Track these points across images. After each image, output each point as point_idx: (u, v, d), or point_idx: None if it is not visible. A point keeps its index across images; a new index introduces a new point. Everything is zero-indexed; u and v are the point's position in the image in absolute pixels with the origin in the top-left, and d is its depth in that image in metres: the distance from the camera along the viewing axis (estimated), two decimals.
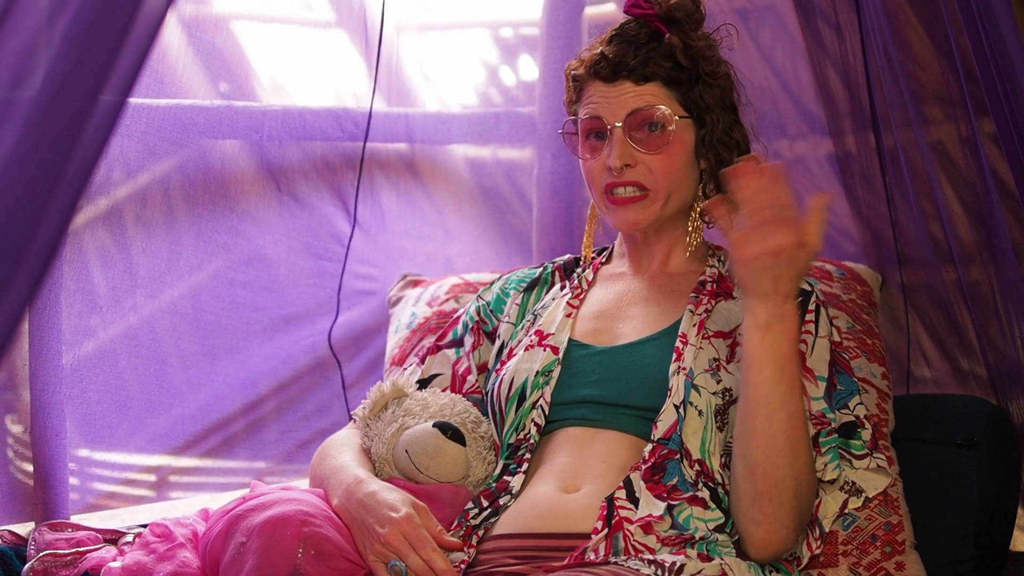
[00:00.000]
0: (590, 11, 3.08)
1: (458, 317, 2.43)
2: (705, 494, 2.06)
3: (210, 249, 2.70)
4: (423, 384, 2.36)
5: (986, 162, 2.34)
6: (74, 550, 2.24)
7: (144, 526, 2.26)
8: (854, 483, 2.18)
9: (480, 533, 2.09)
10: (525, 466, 2.15)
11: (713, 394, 2.10)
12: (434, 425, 2.19)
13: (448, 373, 2.37)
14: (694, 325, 2.17)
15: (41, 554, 2.22)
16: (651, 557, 1.97)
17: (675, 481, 2.06)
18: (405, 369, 2.42)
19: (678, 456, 2.07)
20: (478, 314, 2.39)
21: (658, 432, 2.09)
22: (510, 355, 2.28)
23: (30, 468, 2.45)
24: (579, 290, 2.31)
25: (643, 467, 2.07)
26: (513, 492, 2.13)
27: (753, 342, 1.98)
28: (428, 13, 3.13)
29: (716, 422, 2.10)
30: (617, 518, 2.02)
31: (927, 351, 2.71)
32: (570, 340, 2.23)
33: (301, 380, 2.85)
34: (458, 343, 2.39)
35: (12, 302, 1.56)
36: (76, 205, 1.61)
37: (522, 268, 2.47)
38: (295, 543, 1.99)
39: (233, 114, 2.73)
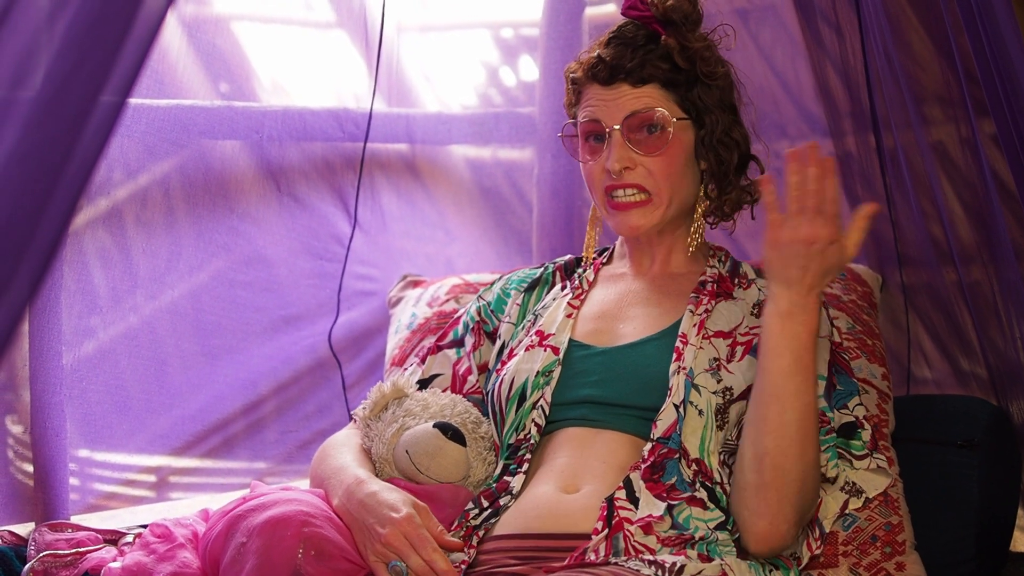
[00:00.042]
0: (590, 12, 3.08)
1: (458, 317, 2.43)
2: (703, 494, 2.06)
3: (210, 249, 2.70)
4: (424, 384, 2.36)
5: (986, 162, 2.34)
6: (74, 550, 2.24)
7: (144, 526, 2.26)
8: (854, 483, 2.18)
9: (480, 533, 2.09)
10: (525, 466, 2.15)
11: (713, 393, 2.11)
12: (434, 425, 2.19)
13: (448, 373, 2.37)
14: (694, 325, 2.17)
15: (41, 554, 2.22)
16: (651, 558, 1.97)
17: (674, 480, 2.06)
18: (405, 369, 2.42)
19: (677, 456, 2.08)
20: (479, 314, 2.39)
21: (658, 431, 2.09)
22: (510, 355, 2.28)
23: (30, 468, 2.45)
24: (580, 290, 2.31)
25: (643, 466, 2.07)
26: (513, 492, 2.13)
27: (773, 330, 2.00)
28: (428, 13, 3.13)
29: (716, 421, 2.10)
30: (617, 518, 2.02)
31: (927, 352, 2.71)
32: (571, 340, 2.23)
33: (301, 380, 2.85)
34: (459, 343, 2.39)
35: (12, 302, 1.56)
36: (76, 205, 1.61)
37: (523, 268, 2.47)
38: (295, 543, 1.99)
39: (233, 114, 2.73)
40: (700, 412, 2.10)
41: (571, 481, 2.09)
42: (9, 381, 2.44)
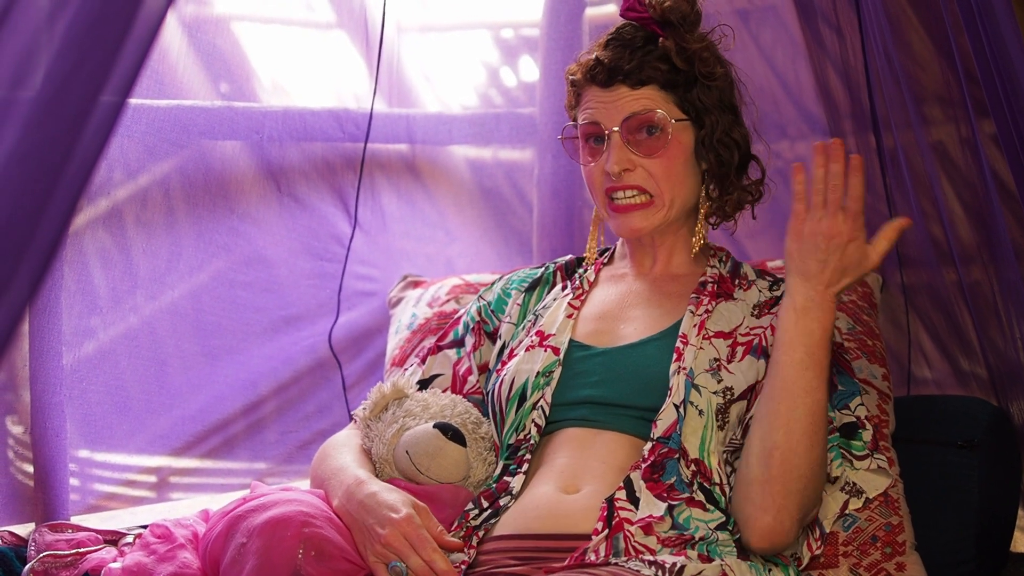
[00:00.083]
0: (591, 12, 3.08)
1: (459, 317, 2.43)
2: (701, 496, 2.06)
3: (210, 250, 2.70)
4: (424, 384, 2.36)
5: (986, 163, 2.34)
6: (74, 551, 2.24)
7: (144, 527, 2.26)
8: (855, 484, 2.19)
9: (480, 534, 2.09)
10: (525, 467, 2.15)
11: (714, 393, 2.11)
12: (435, 426, 2.19)
13: (449, 373, 2.37)
14: (695, 326, 2.17)
15: (41, 555, 2.22)
16: (651, 558, 1.97)
17: (673, 480, 2.06)
18: (406, 370, 2.42)
19: (677, 456, 2.08)
20: (479, 314, 2.39)
21: (658, 431, 2.09)
22: (511, 355, 2.28)
23: (30, 469, 2.45)
24: (580, 291, 2.31)
25: (643, 466, 2.07)
26: (513, 493, 2.13)
27: (787, 323, 2.03)
28: (429, 14, 3.13)
29: (717, 421, 2.10)
30: (617, 519, 2.02)
31: (928, 352, 2.71)
32: (571, 341, 2.23)
33: (301, 381, 2.85)
34: (459, 343, 2.39)
35: (12, 302, 1.55)
36: (76, 206, 1.61)
37: (523, 268, 2.47)
38: (295, 544, 1.99)
39: (234, 115, 2.73)
40: (700, 412, 2.10)
41: (571, 481, 2.09)
42: (9, 381, 2.44)
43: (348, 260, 2.91)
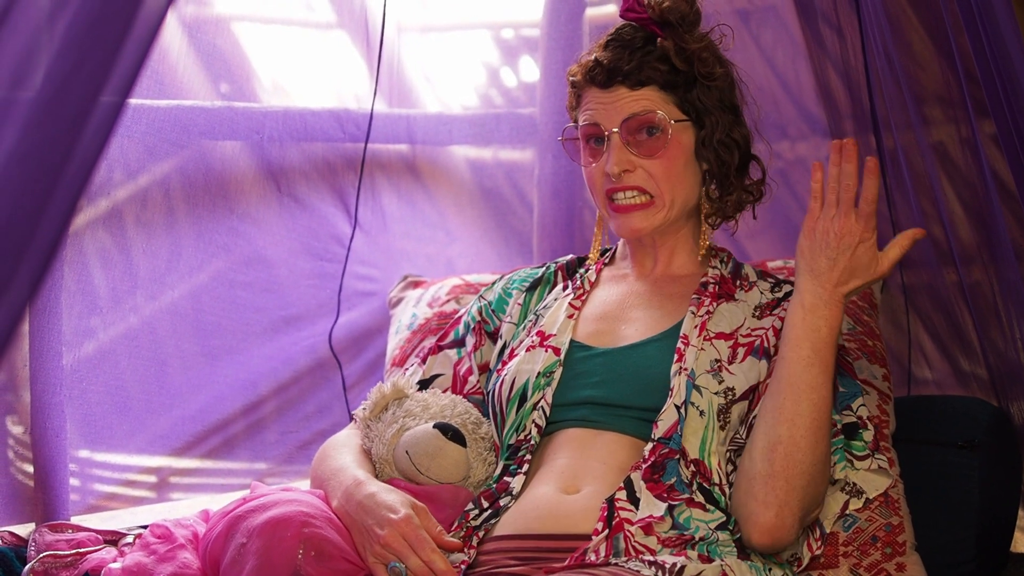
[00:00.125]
0: (591, 12, 3.08)
1: (459, 317, 2.43)
2: (700, 497, 2.06)
3: (210, 250, 2.70)
4: (424, 384, 2.36)
5: (986, 163, 2.34)
6: (74, 551, 2.24)
7: (144, 527, 2.26)
8: (855, 484, 2.19)
9: (480, 534, 2.09)
10: (525, 467, 2.15)
11: (715, 394, 2.11)
12: (434, 426, 2.19)
13: (449, 374, 2.37)
14: (695, 327, 2.17)
15: (41, 555, 2.22)
16: (652, 558, 1.97)
17: (673, 481, 2.06)
18: (406, 370, 2.42)
19: (677, 456, 2.08)
20: (480, 314, 2.39)
21: (658, 431, 2.09)
22: (511, 355, 2.28)
23: (30, 469, 2.45)
24: (581, 291, 2.31)
25: (643, 466, 2.07)
26: (513, 493, 2.13)
27: (794, 320, 2.05)
28: (429, 14, 3.13)
29: (718, 421, 2.10)
30: (618, 519, 2.02)
31: (928, 352, 2.71)
32: (572, 341, 2.23)
33: (301, 381, 2.85)
34: (460, 343, 2.39)
35: (12, 302, 1.55)
36: (76, 206, 1.61)
37: (524, 268, 2.47)
38: (295, 544, 1.99)
39: (234, 115, 2.73)
40: (701, 413, 2.10)
41: (571, 482, 2.09)
42: (9, 381, 2.44)
43: (348, 260, 2.91)
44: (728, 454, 2.11)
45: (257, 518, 2.02)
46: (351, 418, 2.42)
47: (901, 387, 2.69)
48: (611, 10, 3.13)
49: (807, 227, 2.05)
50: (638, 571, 1.93)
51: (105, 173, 2.51)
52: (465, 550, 2.07)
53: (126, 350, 2.59)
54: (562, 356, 2.21)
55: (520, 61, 3.28)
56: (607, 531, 2.01)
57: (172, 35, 2.58)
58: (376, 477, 2.20)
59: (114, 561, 2.16)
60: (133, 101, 2.45)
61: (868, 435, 2.20)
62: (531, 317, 2.33)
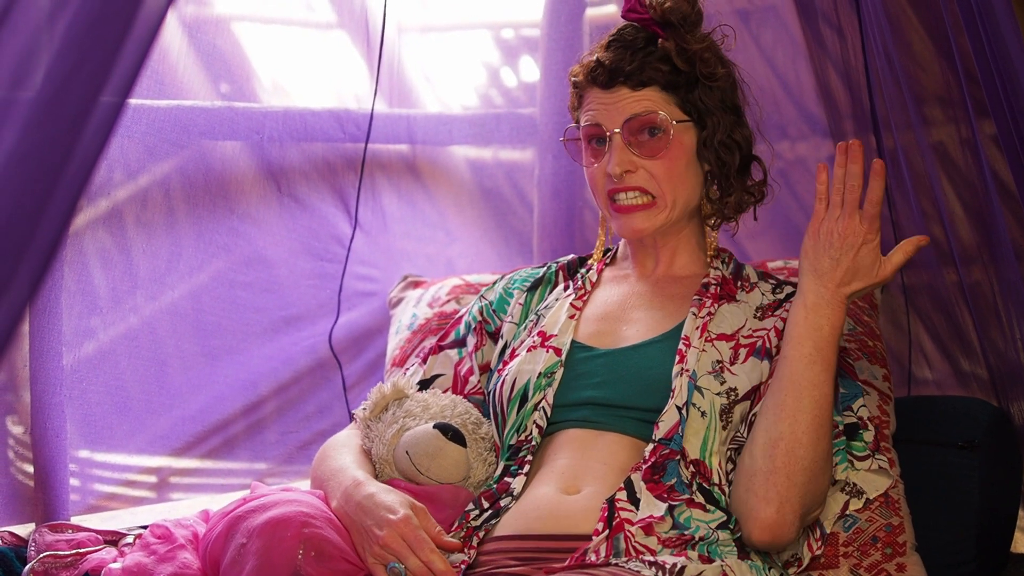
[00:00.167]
0: (591, 12, 3.08)
1: (460, 317, 2.43)
2: (700, 498, 2.06)
3: (210, 250, 2.70)
4: (425, 385, 2.36)
5: (986, 163, 2.34)
6: (74, 551, 2.24)
7: (144, 527, 2.26)
8: (855, 484, 2.19)
9: (481, 534, 2.09)
10: (526, 468, 2.15)
11: (717, 394, 2.11)
12: (435, 426, 2.19)
13: (450, 374, 2.37)
14: (697, 328, 2.17)
15: (41, 555, 2.22)
16: (652, 559, 1.97)
17: (673, 482, 2.06)
18: (406, 370, 2.42)
19: (678, 457, 2.08)
20: (481, 314, 2.39)
21: (659, 432, 2.09)
22: (512, 355, 2.28)
23: (30, 469, 2.45)
24: (583, 291, 2.31)
25: (643, 467, 2.07)
26: (514, 493, 2.13)
27: (797, 319, 2.05)
28: (429, 14, 3.13)
29: (721, 421, 2.10)
30: (618, 519, 2.02)
31: (928, 352, 2.71)
32: (573, 342, 2.23)
33: (302, 381, 2.84)
34: (460, 343, 2.39)
35: (12, 303, 1.55)
36: (76, 206, 1.61)
37: (525, 268, 2.47)
38: (295, 544, 1.99)
39: (234, 115, 2.73)
40: (703, 414, 2.10)
41: (572, 482, 2.09)
42: (9, 382, 2.44)
43: (348, 260, 2.91)
44: (729, 453, 2.11)
45: (257, 518, 2.02)
46: (351, 418, 2.42)
47: (901, 387, 2.69)
48: (611, 10, 3.13)
49: (812, 229, 2.06)
50: (638, 571, 1.93)
51: (105, 173, 2.51)
52: (465, 550, 2.07)
53: (126, 350, 2.59)
54: (563, 357, 2.21)
55: (520, 61, 3.28)
56: (607, 531, 2.01)
57: (172, 35, 2.58)
58: (376, 477, 2.20)
59: (114, 561, 2.16)
60: (133, 101, 2.45)
61: (868, 435, 2.21)
62: (532, 317, 2.33)
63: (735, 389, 2.12)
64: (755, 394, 2.13)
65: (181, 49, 2.62)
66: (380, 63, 2.93)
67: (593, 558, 1.98)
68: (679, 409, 2.09)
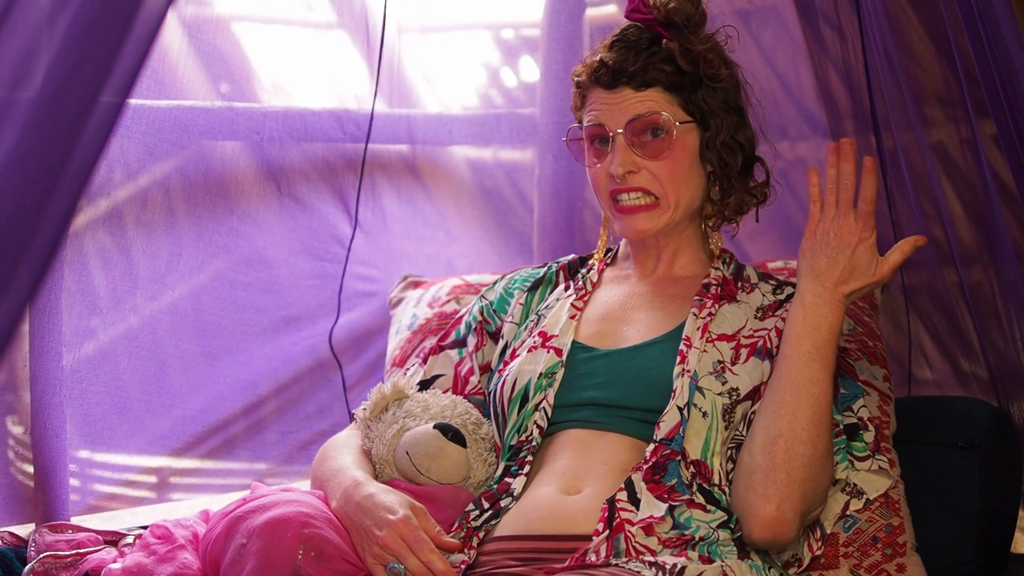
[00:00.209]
0: (591, 12, 3.08)
1: (460, 317, 2.43)
2: (701, 498, 2.06)
3: (210, 250, 2.70)
4: (425, 385, 2.36)
5: (987, 163, 2.34)
6: (74, 551, 2.24)
7: (144, 527, 2.26)
8: (855, 485, 2.19)
9: (481, 535, 2.09)
10: (527, 468, 2.15)
11: (718, 395, 2.11)
12: (435, 427, 2.19)
13: (450, 374, 2.37)
14: (698, 328, 2.17)
15: (41, 555, 2.22)
16: (652, 559, 1.97)
17: (674, 482, 2.06)
18: (407, 370, 2.42)
19: (678, 458, 2.08)
20: (481, 314, 2.38)
21: (660, 432, 2.09)
22: (513, 356, 2.28)
23: (30, 469, 2.45)
24: (583, 291, 2.31)
25: (644, 467, 2.07)
26: (514, 494, 2.13)
27: (795, 319, 2.06)
28: (429, 14, 3.13)
29: (723, 421, 2.10)
30: (618, 520, 2.02)
31: (928, 353, 2.71)
32: (574, 342, 2.23)
33: (302, 381, 2.84)
34: (461, 343, 2.39)
35: (12, 303, 1.55)
36: (76, 206, 1.61)
37: (525, 268, 2.47)
38: (295, 544, 1.99)
39: (234, 115, 2.73)
40: (704, 414, 2.10)
41: (572, 483, 2.09)
42: (9, 382, 2.44)
43: (348, 260, 2.91)
44: (729, 452, 2.11)
45: (257, 519, 2.02)
46: (351, 418, 2.42)
47: (902, 388, 2.69)
48: (611, 10, 3.13)
49: (809, 231, 2.07)
50: (639, 572, 1.93)
51: (105, 173, 2.51)
52: (465, 551, 2.07)
53: (126, 350, 2.59)
54: (564, 357, 2.21)
55: (520, 61, 3.28)
56: (608, 532, 2.01)
57: (172, 35, 2.58)
58: (376, 478, 2.20)
59: (114, 561, 2.16)
60: (133, 101, 2.45)
61: (869, 436, 2.21)
62: (533, 317, 2.33)
63: (737, 389, 2.12)
64: (756, 394, 2.13)
65: (181, 49, 2.62)
66: (380, 63, 2.93)
67: (593, 558, 1.98)
68: (680, 410, 2.09)
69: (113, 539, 2.31)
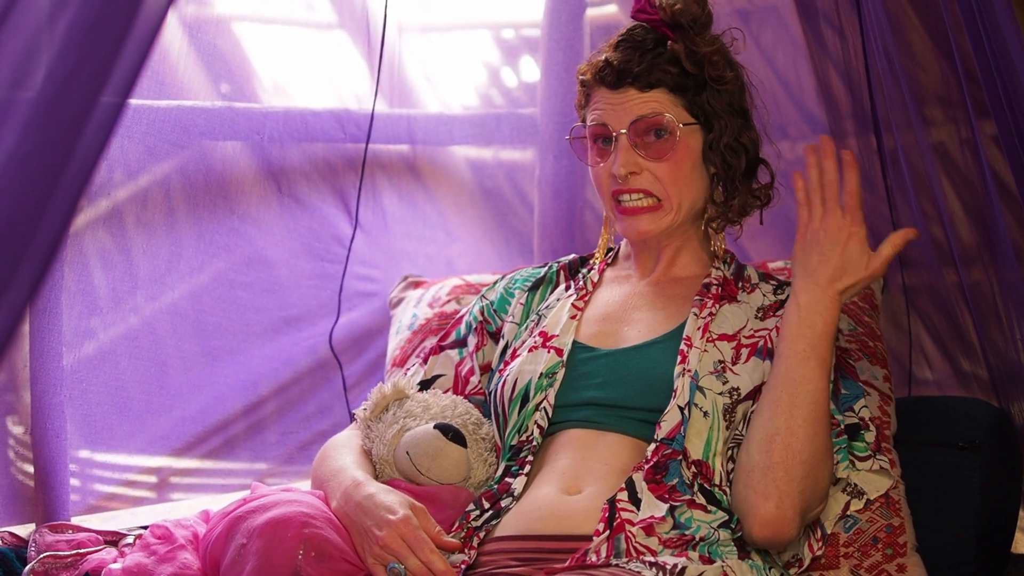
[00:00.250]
0: (592, 12, 3.07)
1: (461, 317, 2.43)
2: (702, 499, 2.06)
3: (211, 250, 2.70)
4: (425, 385, 2.36)
5: (987, 163, 2.34)
6: (74, 552, 2.24)
7: (145, 527, 2.26)
8: (856, 485, 2.19)
9: (481, 535, 2.09)
10: (527, 468, 2.15)
11: (719, 394, 2.11)
12: (435, 427, 2.19)
13: (451, 374, 2.37)
14: (698, 328, 2.17)
15: (42, 555, 2.22)
16: (652, 559, 1.97)
17: (675, 482, 2.06)
18: (407, 370, 2.42)
19: (680, 457, 2.08)
20: (482, 314, 2.38)
21: (662, 432, 2.09)
22: (513, 355, 2.28)
23: (31, 469, 2.45)
24: (584, 291, 2.31)
25: (646, 467, 2.07)
26: (515, 494, 2.13)
27: (791, 318, 2.06)
28: (430, 14, 3.13)
29: (724, 421, 2.10)
30: (619, 520, 2.02)
31: (929, 353, 2.71)
32: (574, 342, 2.23)
33: (302, 381, 2.84)
34: (461, 343, 2.39)
35: (12, 303, 1.55)
36: (76, 206, 1.61)
37: (525, 267, 2.47)
38: (296, 544, 1.99)
39: (234, 115, 2.73)
40: (705, 414, 2.10)
41: (573, 483, 2.09)
42: (10, 382, 2.44)
43: (349, 261, 2.91)
44: (730, 452, 2.11)
45: (257, 519, 2.02)
46: (352, 418, 2.42)
47: (902, 388, 2.69)
48: (612, 10, 3.13)
49: (799, 234, 2.07)
50: (639, 572, 1.93)
51: (105, 173, 2.51)
52: (466, 551, 2.07)
53: (126, 350, 2.59)
54: (565, 357, 2.21)
55: (521, 61, 3.28)
56: (608, 532, 2.01)
57: (172, 35, 2.58)
58: (376, 478, 2.20)
59: (114, 562, 2.16)
60: (133, 101, 2.45)
61: (870, 436, 2.21)
62: (533, 317, 2.33)
63: (737, 389, 2.12)
64: (757, 394, 2.13)
65: (181, 49, 2.62)
66: (381, 63, 2.93)
67: (594, 559, 1.98)
68: (681, 409, 2.09)
69: (113, 539, 2.31)
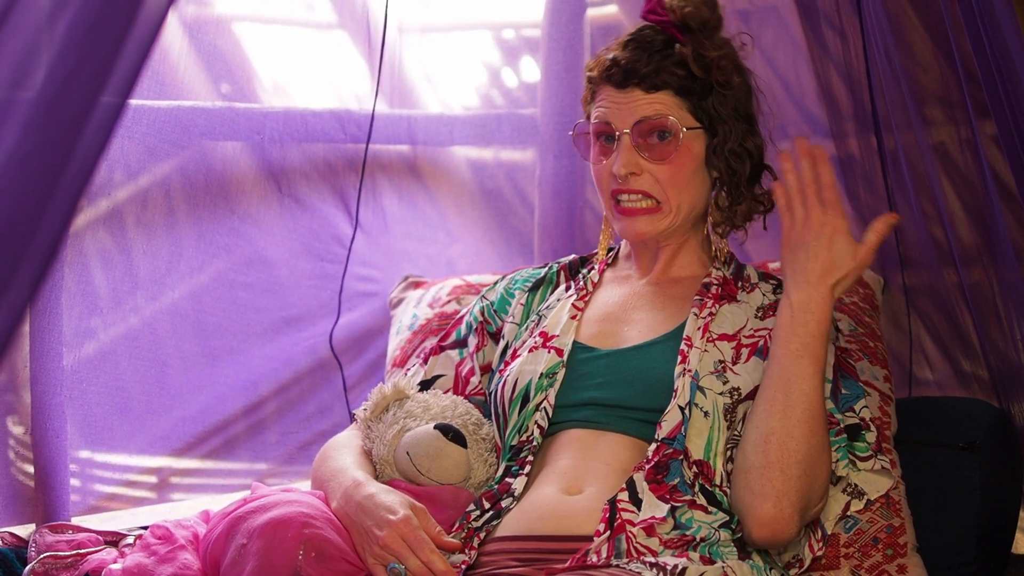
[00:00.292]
0: (592, 13, 3.07)
1: (461, 317, 2.43)
2: (703, 499, 2.06)
3: (211, 251, 2.70)
4: (426, 385, 2.36)
5: (987, 163, 2.34)
6: (75, 552, 2.24)
7: (145, 528, 2.26)
8: (856, 485, 2.19)
9: (482, 535, 2.09)
10: (528, 468, 2.15)
11: (720, 394, 2.11)
12: (435, 427, 2.19)
13: (451, 374, 2.37)
14: (698, 328, 2.17)
15: (42, 556, 2.22)
16: (653, 560, 1.97)
17: (676, 482, 2.06)
18: (407, 371, 2.42)
19: (680, 457, 2.08)
20: (482, 314, 2.38)
21: (662, 432, 2.09)
22: (514, 356, 2.28)
23: (31, 470, 2.45)
24: (584, 292, 2.31)
25: (647, 466, 2.07)
26: (515, 494, 2.13)
27: (783, 319, 2.05)
28: (430, 14, 3.13)
29: (725, 421, 2.10)
30: (619, 520, 2.02)
31: (929, 353, 2.71)
32: (574, 342, 2.23)
33: (302, 382, 2.84)
34: (461, 344, 2.39)
35: (13, 303, 1.55)
36: (77, 206, 1.60)
37: (526, 268, 2.47)
38: (296, 545, 1.99)
39: (234, 116, 2.73)
40: (706, 414, 2.10)
41: (573, 483, 2.09)
42: (10, 382, 2.44)
43: (349, 261, 2.91)
44: (729, 452, 2.11)
45: (258, 519, 2.02)
46: (352, 419, 2.42)
47: (902, 388, 2.69)
48: (612, 11, 3.13)
49: (784, 239, 2.06)
50: (639, 572, 1.93)
51: (105, 174, 2.51)
52: (466, 551, 2.07)
53: (126, 351, 2.59)
54: (565, 357, 2.21)
55: (521, 61, 3.28)
56: (609, 532, 2.01)
57: (173, 35, 2.58)
58: (377, 478, 2.20)
59: (114, 562, 2.16)
60: (134, 102, 2.45)
61: (871, 436, 2.20)
62: (533, 317, 2.33)
63: (738, 389, 2.12)
64: (761, 382, 2.12)
65: (182, 49, 2.62)
66: (381, 63, 2.93)
67: (594, 559, 1.98)
68: (682, 409, 2.09)
69: (113, 539, 2.31)
